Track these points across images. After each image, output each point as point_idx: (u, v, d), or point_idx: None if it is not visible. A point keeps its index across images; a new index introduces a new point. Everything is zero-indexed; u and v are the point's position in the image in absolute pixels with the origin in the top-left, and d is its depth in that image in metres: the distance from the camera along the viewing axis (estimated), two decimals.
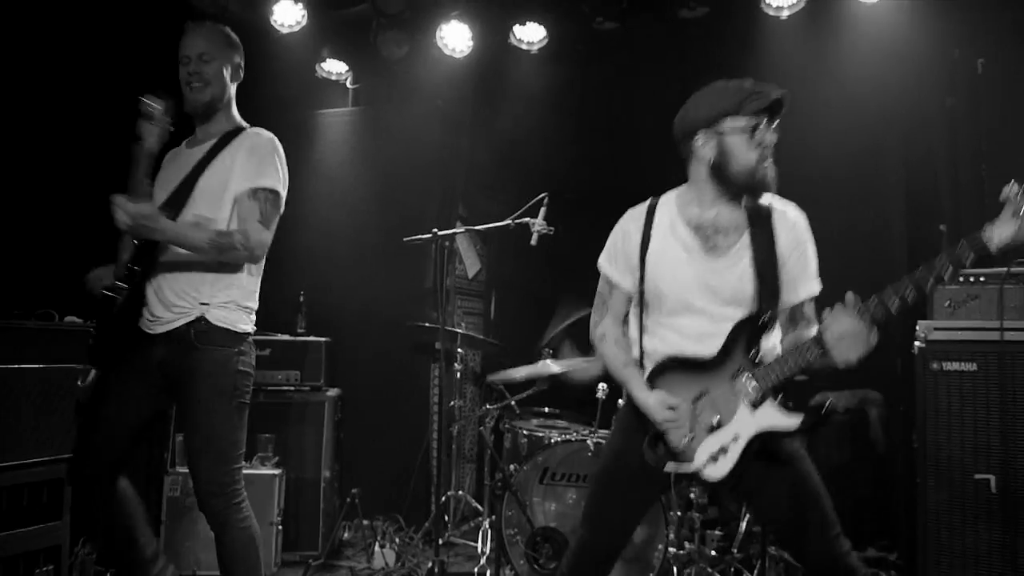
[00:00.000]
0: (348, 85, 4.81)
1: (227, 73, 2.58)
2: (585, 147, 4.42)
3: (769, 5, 3.96)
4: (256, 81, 4.55)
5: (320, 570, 3.72)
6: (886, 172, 4.04)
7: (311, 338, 4.04)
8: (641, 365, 2.19)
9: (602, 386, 3.34)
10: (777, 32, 4.00)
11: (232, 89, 2.64)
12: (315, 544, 3.85)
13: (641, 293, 2.17)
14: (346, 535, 4.04)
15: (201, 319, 2.39)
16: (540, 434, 3.58)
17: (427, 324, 3.88)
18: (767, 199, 2.13)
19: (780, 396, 1.99)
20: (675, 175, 4.06)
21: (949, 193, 3.79)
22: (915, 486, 3.02)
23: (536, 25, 4.24)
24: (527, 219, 3.56)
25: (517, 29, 4.27)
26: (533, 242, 3.52)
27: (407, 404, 4.41)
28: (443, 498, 3.71)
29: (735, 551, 3.42)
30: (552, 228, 3.55)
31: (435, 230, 3.58)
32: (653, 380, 2.13)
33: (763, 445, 1.99)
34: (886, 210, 4.02)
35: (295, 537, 3.79)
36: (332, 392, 4.01)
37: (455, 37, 4.31)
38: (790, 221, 2.12)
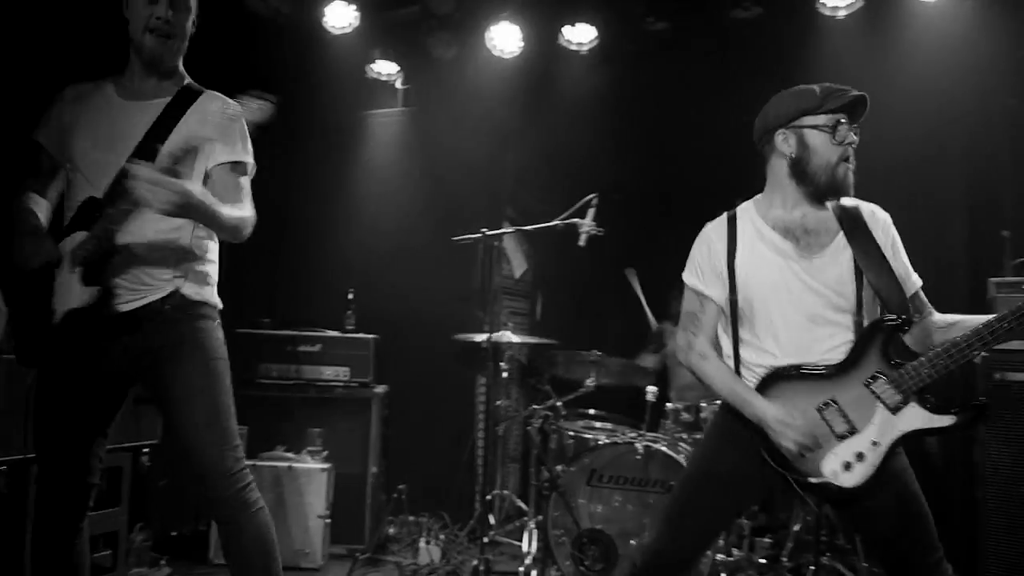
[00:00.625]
0: (398, 86, 4.86)
1: (190, 23, 2.23)
2: (634, 148, 4.39)
3: (825, 5, 3.90)
4: (308, 82, 4.69)
5: (366, 564, 3.76)
6: (947, 175, 3.94)
7: (360, 335, 4.09)
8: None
9: (652, 389, 3.32)
10: (833, 32, 3.94)
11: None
12: (361, 538, 3.90)
13: (733, 304, 2.13)
14: (392, 530, 4.08)
15: (175, 293, 2.13)
16: (587, 435, 3.57)
17: (474, 337, 3.87)
18: (851, 201, 2.11)
19: (924, 396, 1.96)
20: (727, 175, 4.04)
21: (1012, 197, 3.68)
22: (975, 502, 2.93)
23: (586, 25, 4.23)
24: (576, 220, 3.56)
25: (566, 30, 4.27)
26: (582, 243, 3.51)
27: (453, 402, 4.45)
28: (488, 497, 3.72)
29: (785, 559, 3.37)
30: (601, 229, 3.53)
31: (484, 230, 3.59)
32: (763, 392, 2.07)
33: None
34: (947, 215, 3.92)
35: (342, 531, 3.84)
36: (380, 389, 4.05)
37: (504, 38, 4.33)
38: (881, 219, 2.12)
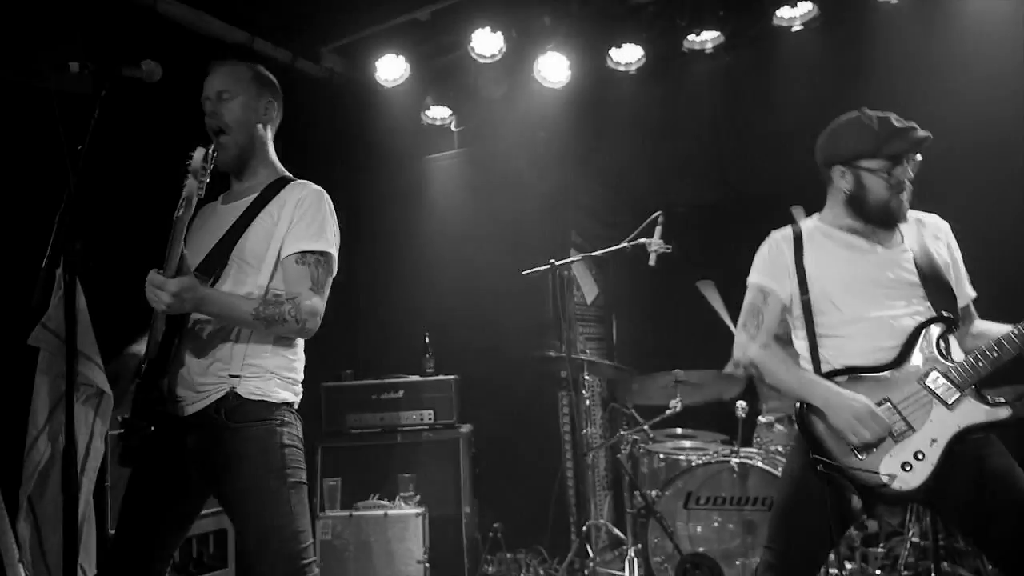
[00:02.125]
0: (453, 128, 4.96)
1: (254, 113, 2.20)
2: (693, 162, 4.36)
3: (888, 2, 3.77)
4: (367, 135, 4.84)
5: None
6: (1014, 163, 3.75)
7: (440, 377, 4.13)
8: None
9: (741, 404, 3.24)
10: (890, 24, 3.82)
11: (267, 133, 2.27)
12: None
13: (807, 304, 2.15)
14: (491, 569, 4.07)
15: (230, 394, 2.03)
16: (678, 457, 3.51)
17: (551, 353, 3.89)
18: (912, 214, 2.17)
19: (979, 390, 1.96)
20: (788, 179, 3.95)
21: None
22: None
23: (632, 46, 4.23)
24: (643, 240, 3.54)
25: (613, 52, 4.28)
26: (652, 262, 3.48)
27: (538, 435, 4.42)
28: (584, 527, 3.67)
29: (903, 568, 3.20)
30: (670, 246, 3.50)
31: (552, 260, 3.60)
32: None
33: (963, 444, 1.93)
34: (1017, 205, 3.73)
35: (441, 573, 3.85)
36: (465, 428, 4.08)
37: (552, 68, 4.37)
38: (939, 228, 2.18)
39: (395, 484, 3.89)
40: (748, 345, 2.20)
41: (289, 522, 1.99)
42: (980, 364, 1.94)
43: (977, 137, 3.67)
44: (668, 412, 3.61)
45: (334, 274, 2.17)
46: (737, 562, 3.21)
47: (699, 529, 3.31)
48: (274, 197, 2.14)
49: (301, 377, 2.20)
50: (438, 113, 4.82)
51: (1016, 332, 1.93)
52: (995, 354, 1.93)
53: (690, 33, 4.12)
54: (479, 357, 4.38)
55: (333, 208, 2.19)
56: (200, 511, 2.21)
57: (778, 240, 2.26)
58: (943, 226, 2.20)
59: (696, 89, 4.33)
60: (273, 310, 2.00)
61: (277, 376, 2.10)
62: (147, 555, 2.07)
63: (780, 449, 3.36)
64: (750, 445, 3.43)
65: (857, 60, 3.93)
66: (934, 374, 1.97)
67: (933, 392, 1.96)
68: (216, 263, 2.08)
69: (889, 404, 1.98)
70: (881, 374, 2.01)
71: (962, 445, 1.93)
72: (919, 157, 2.12)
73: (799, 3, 3.90)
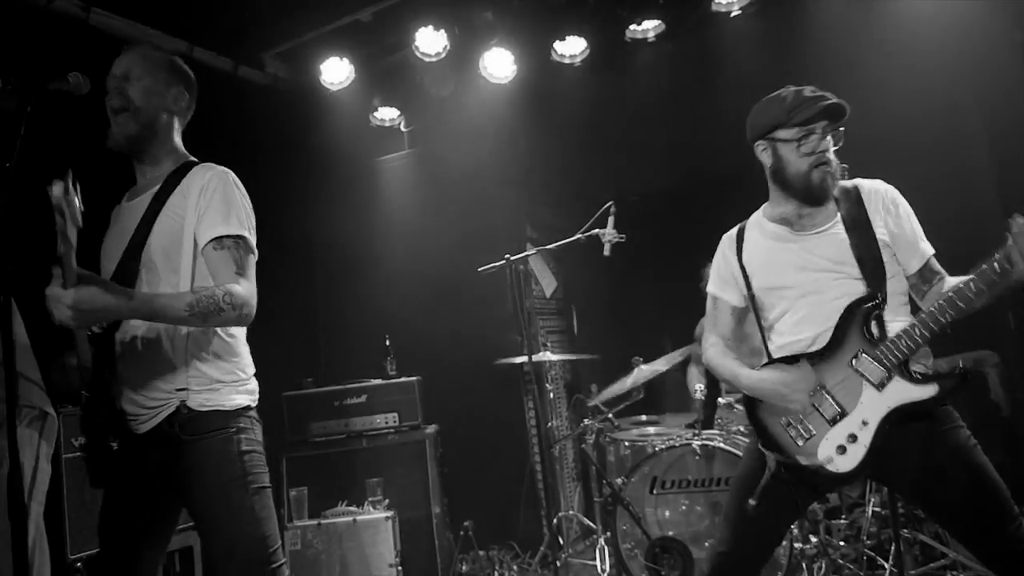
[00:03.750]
0: (402, 128, 4.93)
1: (161, 100, 2.11)
2: (642, 151, 4.39)
3: None
4: (316, 139, 4.79)
5: None
6: (965, 120, 3.86)
7: (403, 379, 4.10)
8: None
9: (699, 387, 3.29)
10: (826, 6, 3.90)
11: (174, 123, 2.17)
12: None
13: (752, 299, 2.23)
14: (464, 568, 4.07)
15: (181, 407, 1.98)
16: (643, 443, 3.54)
17: (515, 360, 3.89)
18: (852, 181, 2.17)
19: (907, 369, 1.95)
20: (736, 166, 4.00)
21: None
22: None
23: (576, 38, 4.25)
24: (597, 230, 3.56)
25: (558, 45, 4.29)
26: (606, 252, 3.50)
27: (505, 430, 4.43)
28: (555, 520, 3.69)
29: (865, 539, 3.27)
30: (623, 235, 3.52)
31: (507, 256, 3.60)
32: None
33: (901, 421, 1.94)
34: (971, 159, 3.84)
35: (415, 575, 3.83)
36: (431, 429, 4.06)
37: (497, 64, 4.37)
38: (879, 193, 2.13)
39: (363, 489, 3.85)
40: (704, 346, 2.32)
41: (255, 528, 1.98)
42: (903, 343, 1.93)
43: (922, 99, 3.76)
44: (631, 400, 3.63)
45: (255, 255, 2.09)
46: (706, 543, 3.23)
47: (667, 513, 3.33)
48: (176, 187, 2.05)
49: (252, 371, 2.15)
50: (386, 114, 4.80)
51: (928, 312, 1.92)
52: (918, 331, 1.92)
53: (632, 23, 4.15)
54: (441, 356, 4.37)
55: (242, 187, 2.10)
56: (176, 524, 2.16)
57: (724, 244, 2.33)
58: (884, 190, 2.13)
59: (641, 78, 4.37)
60: (207, 302, 1.92)
61: (226, 381, 2.04)
62: (137, 568, 2.04)
63: (742, 429, 3.40)
64: (711, 427, 3.47)
65: (794, 41, 4.00)
66: (863, 356, 1.98)
67: (862, 374, 1.98)
68: (130, 267, 2.00)
69: (823, 389, 2.01)
70: (814, 361, 2.04)
71: (900, 425, 1.94)
72: (841, 130, 2.10)
73: None
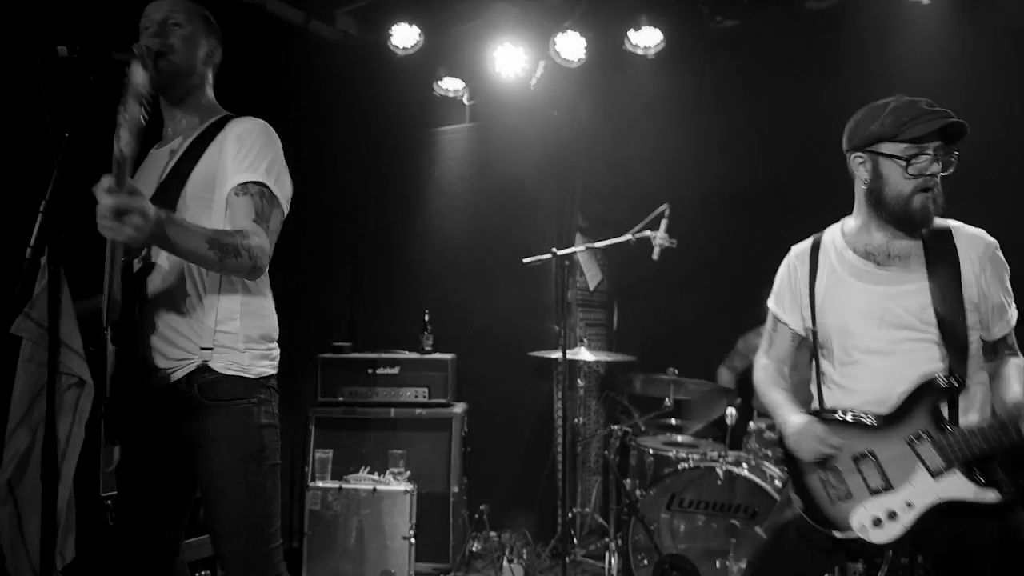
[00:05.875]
0: (464, 101, 4.86)
1: (200, 49, 2.09)
2: (706, 151, 4.25)
3: None
4: (376, 102, 4.77)
5: None
6: None
7: (438, 355, 4.13)
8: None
9: (731, 411, 3.23)
10: (919, 18, 3.68)
11: (208, 75, 2.14)
12: (445, 557, 3.96)
13: (814, 336, 2.07)
14: (475, 548, 4.13)
15: (204, 368, 1.92)
16: (667, 454, 3.51)
17: (550, 355, 3.86)
18: (949, 223, 1.98)
19: (970, 466, 1.82)
20: (806, 174, 3.86)
21: None
22: None
23: (652, 29, 4.10)
24: (648, 233, 3.50)
25: (632, 34, 4.15)
26: (655, 256, 3.45)
27: (532, 419, 4.44)
28: (569, 515, 3.70)
29: None
30: (675, 241, 3.46)
31: (554, 250, 3.56)
32: None
33: (952, 516, 1.83)
34: None
35: (426, 550, 3.90)
36: (459, 408, 4.09)
37: (569, 47, 4.25)
38: (976, 245, 1.93)
39: (386, 459, 3.92)
40: (755, 366, 2.20)
41: (264, 507, 1.96)
42: (975, 442, 1.80)
43: (1007, 138, 3.54)
44: (664, 409, 3.59)
45: (282, 211, 2.01)
46: (717, 562, 3.23)
47: (682, 527, 3.33)
48: (214, 137, 2.00)
49: (276, 335, 2.08)
50: (450, 85, 4.73)
51: (991, 425, 1.79)
52: (995, 435, 1.78)
53: (712, 19, 3.99)
54: (476, 336, 4.38)
55: (278, 142, 2.03)
56: (192, 481, 2.11)
57: (793, 261, 2.14)
58: (984, 244, 1.92)
59: (715, 77, 4.21)
60: (228, 239, 1.82)
61: (252, 344, 1.99)
62: (152, 532, 2.04)
63: (768, 454, 3.35)
64: (740, 449, 3.42)
65: (889, 46, 3.79)
66: (926, 440, 1.86)
67: (920, 457, 1.86)
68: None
69: (872, 458, 1.91)
70: (871, 425, 1.93)
71: (941, 516, 1.84)
72: (955, 154, 1.89)
73: None
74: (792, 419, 2.00)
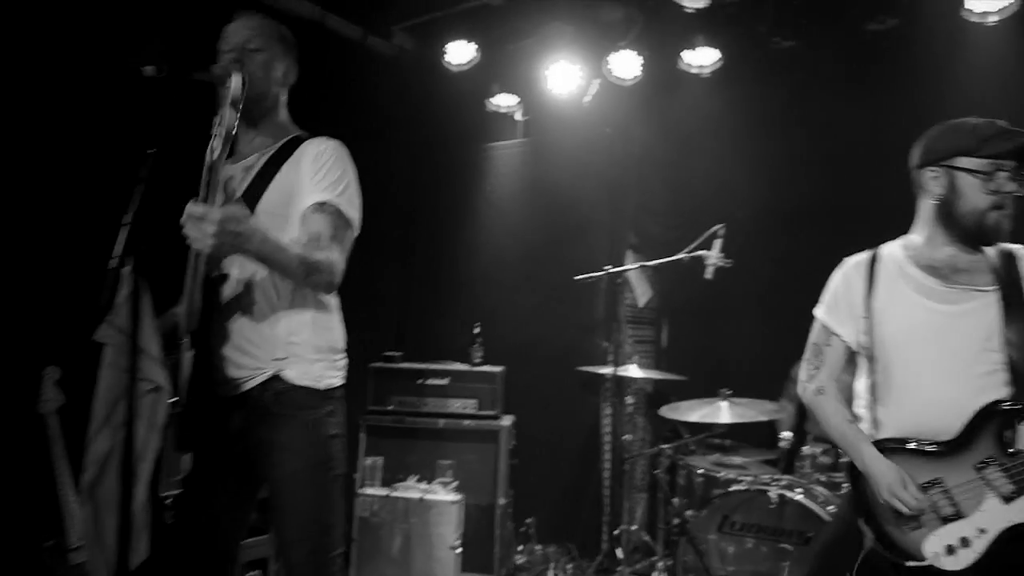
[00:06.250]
0: (517, 117, 4.91)
1: (277, 72, 2.14)
2: (761, 171, 4.22)
3: (971, 11, 3.58)
4: (430, 117, 4.84)
5: None
6: None
7: (487, 368, 4.16)
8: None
9: (786, 435, 3.19)
10: (983, 40, 3.62)
11: (284, 95, 2.21)
12: (490, 567, 3.97)
13: (868, 350, 2.03)
14: (520, 560, 4.14)
15: (276, 378, 1.99)
16: (718, 475, 3.49)
17: (599, 370, 3.87)
18: (1008, 246, 1.97)
19: None
20: (862, 201, 3.81)
21: None
22: None
23: (708, 48, 4.11)
24: (701, 252, 3.50)
25: (687, 54, 4.16)
26: (708, 275, 3.46)
27: (578, 434, 4.45)
28: (616, 532, 3.70)
29: None
30: (730, 261, 3.46)
31: (606, 267, 3.58)
32: None
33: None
34: None
35: (471, 560, 3.92)
36: (507, 421, 4.12)
37: (623, 65, 4.28)
38: None
39: (433, 469, 3.96)
40: (806, 386, 2.14)
41: (328, 515, 2.03)
42: None
43: None
44: (714, 431, 3.57)
45: (354, 231, 2.08)
46: None
47: (731, 549, 3.29)
48: (291, 154, 2.07)
49: (343, 346, 2.14)
50: (504, 101, 4.78)
51: None
52: None
53: (770, 40, 3.97)
54: (524, 349, 4.40)
55: (352, 163, 2.10)
56: (260, 485, 2.18)
57: (850, 271, 2.10)
58: None
59: (772, 97, 4.19)
60: (312, 259, 1.89)
61: (322, 355, 2.05)
62: (214, 536, 2.10)
63: (822, 479, 3.31)
64: (791, 472, 3.38)
65: (950, 68, 3.73)
66: (993, 466, 1.85)
67: (989, 484, 1.85)
68: None
69: (941, 486, 1.89)
70: (937, 452, 1.91)
71: (1014, 541, 1.82)
72: (1016, 186, 1.89)
73: (887, 19, 3.71)
74: (877, 465, 1.94)
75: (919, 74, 3.76)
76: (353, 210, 2.07)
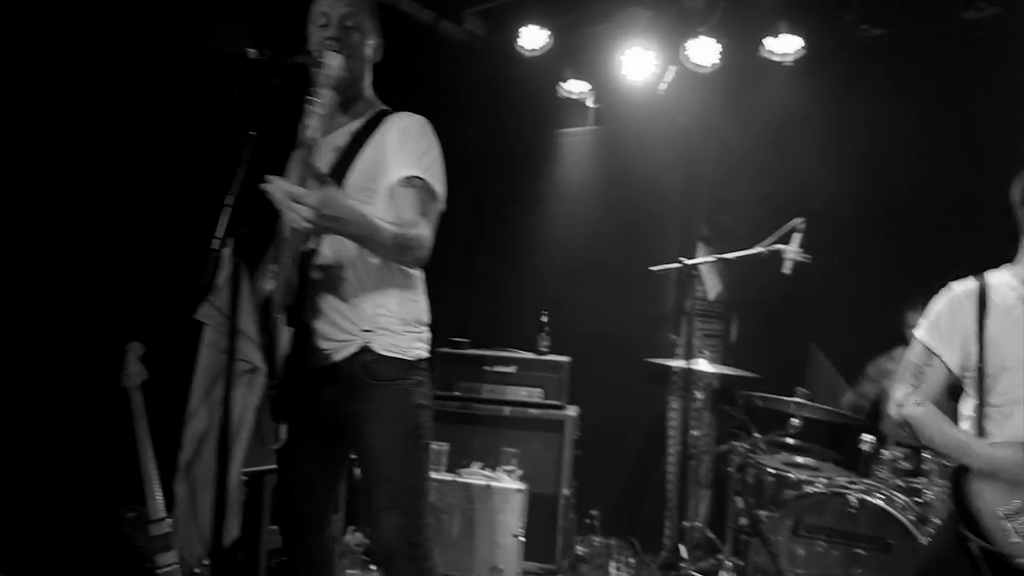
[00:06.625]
0: (589, 104, 4.84)
1: (369, 49, 2.16)
2: (843, 163, 4.10)
3: None
4: (501, 102, 4.81)
5: None
6: None
7: (554, 357, 4.13)
8: None
9: (868, 438, 3.11)
10: None
11: (370, 72, 2.21)
12: (552, 557, 3.96)
13: (981, 372, 2.03)
14: (581, 551, 4.13)
15: (366, 349, 2.01)
16: (788, 475, 3.42)
17: (669, 363, 3.82)
18: None
19: None
20: (949, 198, 3.67)
21: None
22: None
23: (791, 36, 3.98)
24: (780, 246, 3.43)
25: (769, 41, 4.04)
26: (786, 270, 3.40)
27: (643, 426, 4.41)
28: (679, 528, 3.66)
29: None
30: (808, 257, 3.38)
31: (682, 259, 3.52)
32: None
33: None
34: None
35: (533, 549, 3.91)
36: (572, 411, 4.09)
37: (701, 52, 4.18)
38: None
39: (497, 456, 3.96)
40: (904, 402, 2.11)
41: (418, 483, 2.06)
42: None
43: None
44: (788, 430, 3.50)
45: (440, 207, 2.09)
46: None
47: (802, 552, 3.22)
48: (377, 128, 2.08)
49: (428, 319, 2.17)
50: (576, 87, 4.72)
51: None
52: None
53: (858, 28, 3.83)
54: (591, 340, 4.36)
55: (437, 140, 2.10)
56: (348, 457, 2.26)
57: (960, 297, 2.10)
58: None
59: (857, 87, 4.05)
60: (404, 235, 1.92)
61: (410, 327, 2.09)
62: (308, 503, 2.15)
63: (901, 484, 3.21)
64: (867, 476, 3.29)
65: None
66: None
67: None
68: None
69: None
70: None
71: None
72: None
73: (986, 7, 3.55)
74: (998, 453, 1.94)
75: (1019, 65, 3.59)
76: (439, 184, 2.07)
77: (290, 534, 2.18)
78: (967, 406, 2.10)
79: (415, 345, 2.10)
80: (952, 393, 2.15)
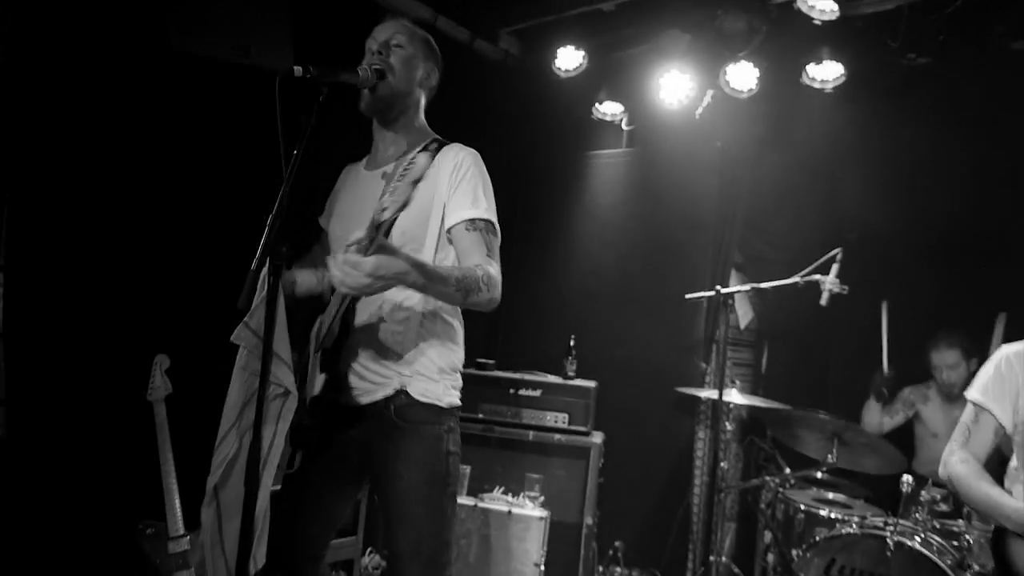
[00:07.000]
0: (623, 126, 4.79)
1: (418, 71, 2.15)
2: (881, 192, 4.01)
3: None
4: (534, 122, 4.77)
5: None
6: None
7: (580, 382, 4.06)
8: None
9: (907, 478, 3.01)
10: None
11: (422, 98, 2.21)
12: None
13: None
14: None
15: (401, 392, 2.01)
16: (820, 512, 3.32)
17: (699, 393, 3.74)
18: None
19: None
20: (989, 231, 3.58)
21: None
22: None
23: (833, 63, 3.92)
24: (818, 277, 3.36)
25: (811, 67, 3.98)
26: (823, 302, 3.33)
27: (669, 456, 4.32)
28: (704, 563, 3.56)
29: None
30: (846, 287, 3.31)
31: (718, 287, 3.46)
32: None
33: None
34: None
35: None
36: (598, 438, 4.01)
37: (740, 77, 4.11)
38: None
39: (519, 479, 3.89)
40: (947, 459, 2.14)
41: (443, 530, 2.02)
42: None
43: None
44: (820, 470, 3.40)
45: (499, 241, 2.11)
46: None
47: None
48: (430, 165, 2.06)
49: (462, 366, 2.16)
50: (610, 109, 4.67)
51: None
52: None
53: (903, 56, 3.76)
54: (618, 365, 4.29)
55: (487, 171, 2.12)
56: (352, 502, 2.27)
57: (1010, 357, 2.12)
58: None
59: (897, 116, 3.98)
60: (471, 279, 1.91)
61: (446, 375, 2.08)
62: (306, 536, 2.11)
63: (937, 526, 3.11)
64: (907, 518, 3.18)
65: None
66: None
67: None
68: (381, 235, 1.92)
69: None
70: None
71: None
72: None
73: None
74: (1015, 504, 1.97)
75: None
76: (496, 219, 2.08)
77: (285, 563, 2.11)
78: (1015, 462, 2.10)
79: (450, 392, 2.10)
80: (1001, 457, 2.12)
